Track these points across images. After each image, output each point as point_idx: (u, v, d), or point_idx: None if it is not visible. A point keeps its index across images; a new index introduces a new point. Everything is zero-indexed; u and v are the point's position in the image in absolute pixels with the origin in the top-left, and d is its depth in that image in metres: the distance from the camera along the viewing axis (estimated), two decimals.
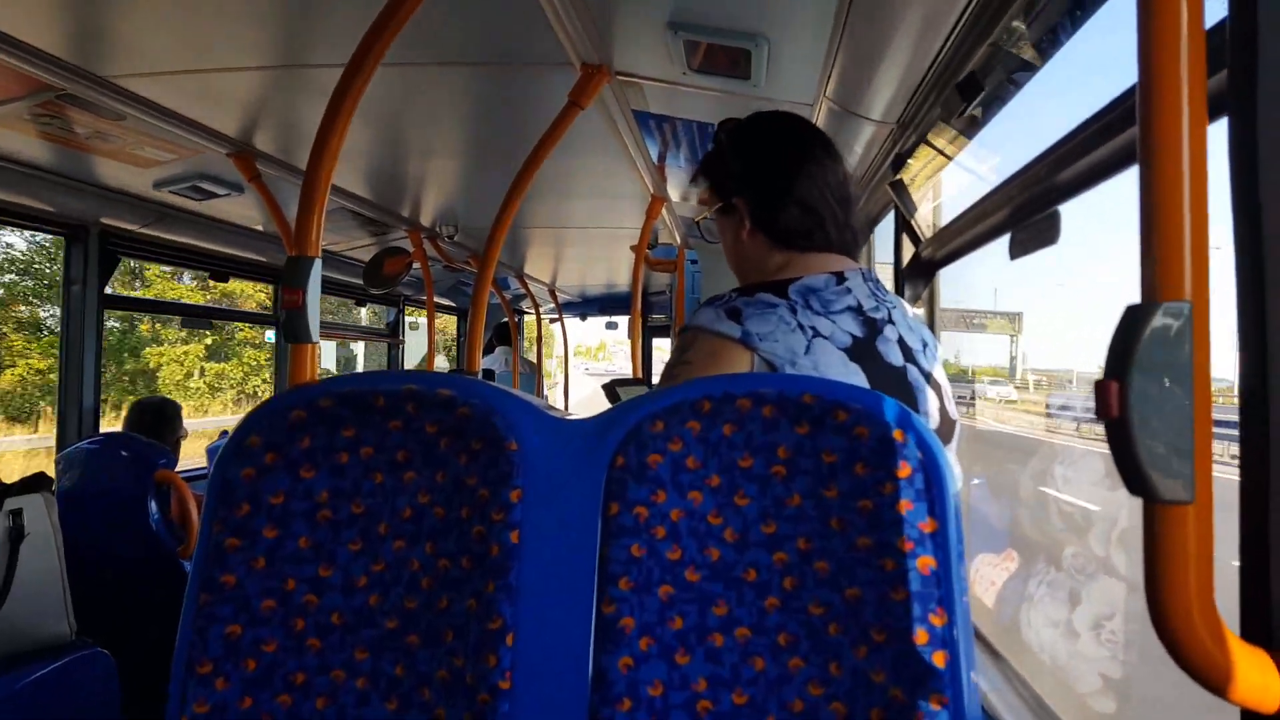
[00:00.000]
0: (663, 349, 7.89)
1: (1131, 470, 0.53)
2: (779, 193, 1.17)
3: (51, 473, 2.18)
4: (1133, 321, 0.53)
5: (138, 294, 17.56)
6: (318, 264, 1.48)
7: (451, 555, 0.83)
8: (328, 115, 1.48)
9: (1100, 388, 0.54)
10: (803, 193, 1.16)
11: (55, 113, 2.21)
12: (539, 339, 7.73)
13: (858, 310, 1.09)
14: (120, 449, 2.65)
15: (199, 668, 0.82)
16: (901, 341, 1.11)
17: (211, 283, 4.08)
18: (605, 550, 0.79)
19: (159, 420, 2.98)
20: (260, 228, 3.73)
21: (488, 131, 2.63)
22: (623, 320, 8.23)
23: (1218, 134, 0.61)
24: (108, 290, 3.25)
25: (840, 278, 1.11)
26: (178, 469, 2.75)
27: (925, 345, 1.15)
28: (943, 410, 1.13)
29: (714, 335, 1.06)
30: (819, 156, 1.18)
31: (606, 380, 2.74)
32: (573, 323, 8.27)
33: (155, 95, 2.16)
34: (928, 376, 1.12)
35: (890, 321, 1.11)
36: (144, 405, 3.05)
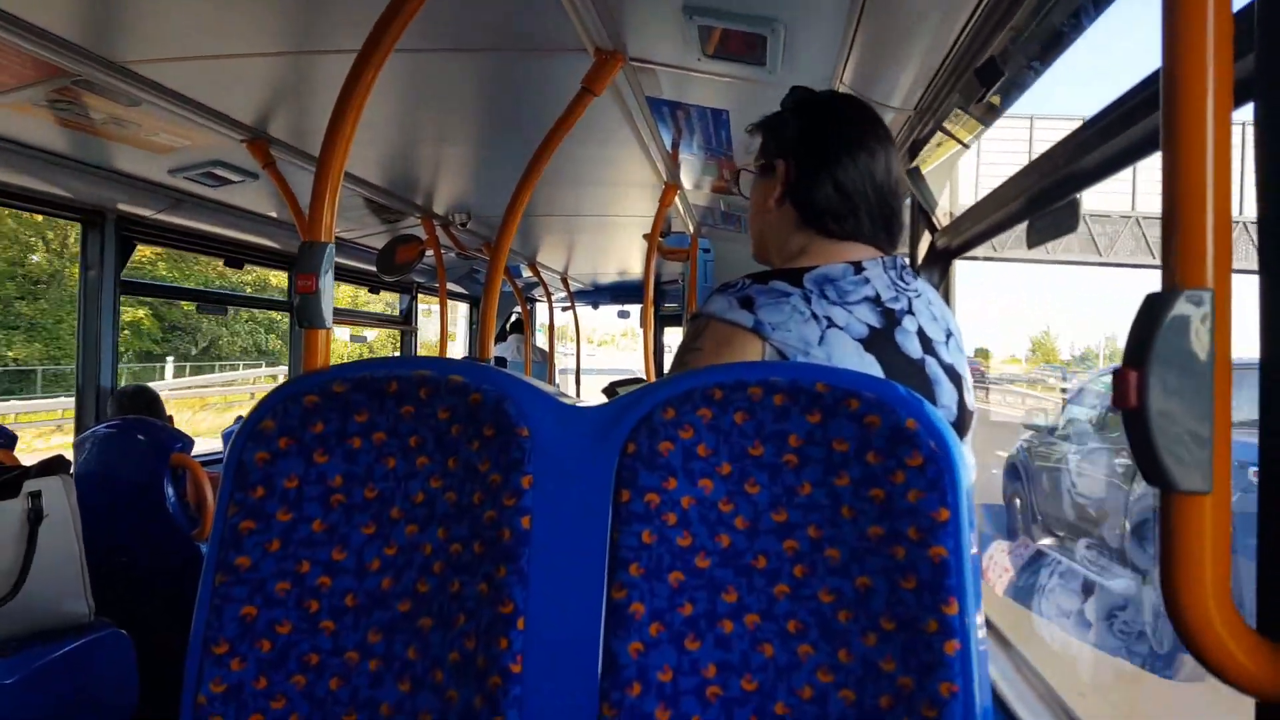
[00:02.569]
0: (676, 337, 7.86)
1: (1149, 460, 0.53)
2: (822, 167, 1.15)
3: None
4: (1153, 309, 0.53)
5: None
6: (331, 249, 1.48)
7: (463, 540, 0.83)
8: (341, 100, 1.48)
9: (1119, 377, 0.53)
10: (844, 175, 1.14)
11: (71, 98, 2.22)
12: (551, 327, 7.74)
13: (875, 301, 1.08)
14: (137, 433, 2.67)
15: (215, 648, 0.83)
16: (921, 333, 1.09)
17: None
18: (616, 536, 0.79)
19: (148, 405, 2.99)
20: (275, 214, 3.75)
21: (500, 118, 2.62)
22: (635, 309, 8.22)
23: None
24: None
25: (858, 267, 1.10)
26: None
27: (949, 336, 1.14)
28: (960, 403, 1.11)
29: (726, 324, 1.05)
30: (872, 147, 1.16)
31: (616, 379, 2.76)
32: (592, 313, 8.27)
33: (170, 81, 2.16)
34: (948, 369, 1.11)
35: (910, 312, 1.10)
36: (127, 394, 3.04)
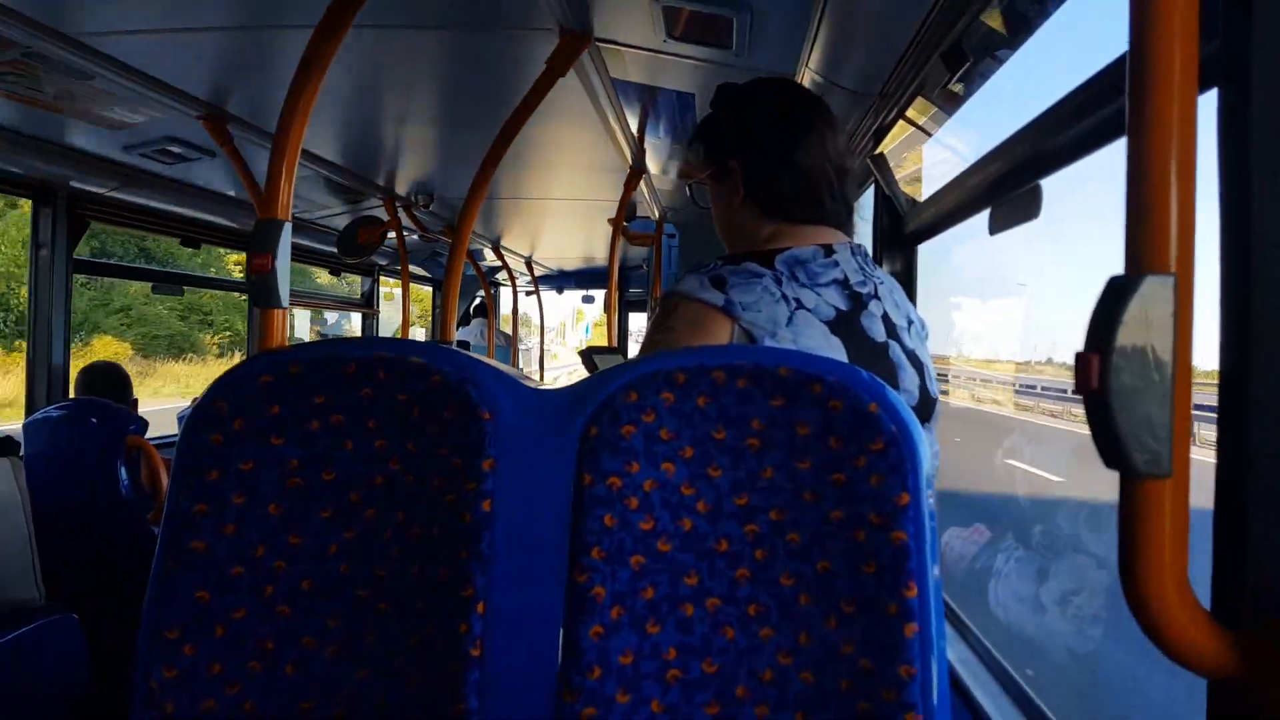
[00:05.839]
0: (639, 321, 7.86)
1: (1109, 444, 0.53)
2: (776, 157, 1.15)
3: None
4: (1115, 293, 0.53)
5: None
6: (288, 228, 1.45)
7: (423, 524, 0.82)
8: (299, 75, 1.44)
9: (1080, 360, 0.53)
10: (801, 158, 1.14)
11: (21, 71, 2.14)
12: (515, 311, 7.68)
13: (844, 284, 1.09)
14: (89, 415, 2.60)
15: (167, 633, 0.81)
16: (886, 318, 1.11)
17: None
18: (578, 520, 0.79)
19: (115, 385, 2.91)
20: (232, 193, 3.67)
21: (464, 98, 2.58)
22: (599, 294, 8.20)
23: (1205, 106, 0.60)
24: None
25: (829, 250, 1.11)
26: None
27: (911, 323, 1.15)
28: (923, 388, 1.13)
29: (696, 303, 1.05)
30: (819, 125, 1.16)
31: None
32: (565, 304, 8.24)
33: (123, 55, 2.10)
34: (910, 354, 1.12)
35: (876, 297, 1.11)
36: (96, 370, 2.96)
